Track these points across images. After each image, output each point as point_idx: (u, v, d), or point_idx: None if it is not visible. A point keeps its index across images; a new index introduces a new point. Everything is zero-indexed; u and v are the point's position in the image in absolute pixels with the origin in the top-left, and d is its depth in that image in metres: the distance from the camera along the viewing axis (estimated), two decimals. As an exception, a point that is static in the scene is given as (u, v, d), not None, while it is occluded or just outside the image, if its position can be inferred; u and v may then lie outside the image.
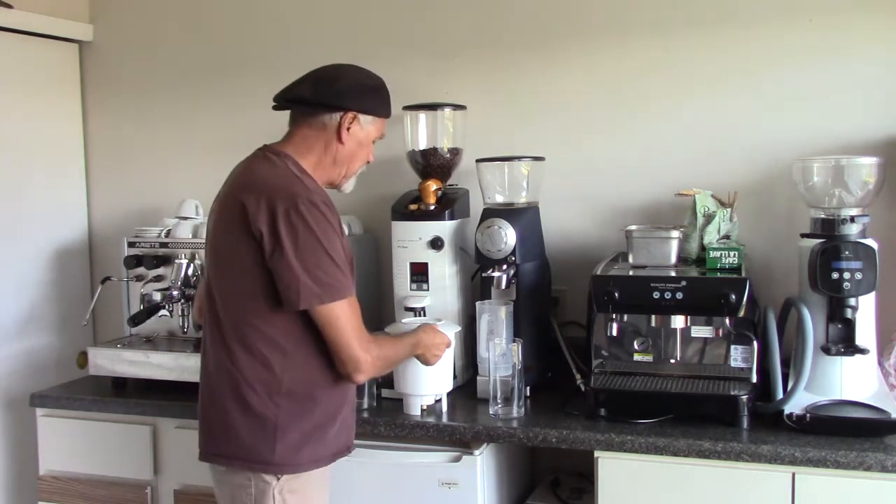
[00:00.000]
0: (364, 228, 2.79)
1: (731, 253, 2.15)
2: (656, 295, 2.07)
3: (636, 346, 2.24)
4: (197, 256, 2.61)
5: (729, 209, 2.33)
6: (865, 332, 2.05)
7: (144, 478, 2.46)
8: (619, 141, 2.59)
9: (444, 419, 2.19)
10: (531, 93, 2.66)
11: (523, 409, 2.18)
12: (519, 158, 2.45)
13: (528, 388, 2.28)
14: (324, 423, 1.87)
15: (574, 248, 2.62)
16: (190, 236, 2.66)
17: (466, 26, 2.72)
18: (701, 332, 2.16)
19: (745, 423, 2.02)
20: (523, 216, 2.37)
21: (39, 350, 2.99)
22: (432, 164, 2.54)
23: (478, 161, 2.46)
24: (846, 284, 1.98)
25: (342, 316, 1.79)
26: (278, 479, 1.83)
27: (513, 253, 2.31)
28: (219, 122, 3.02)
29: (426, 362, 2.12)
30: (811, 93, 2.41)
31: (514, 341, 2.20)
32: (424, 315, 2.38)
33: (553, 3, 2.63)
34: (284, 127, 1.97)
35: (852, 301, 2.01)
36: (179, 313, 2.62)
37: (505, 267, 2.32)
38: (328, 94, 1.89)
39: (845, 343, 2.05)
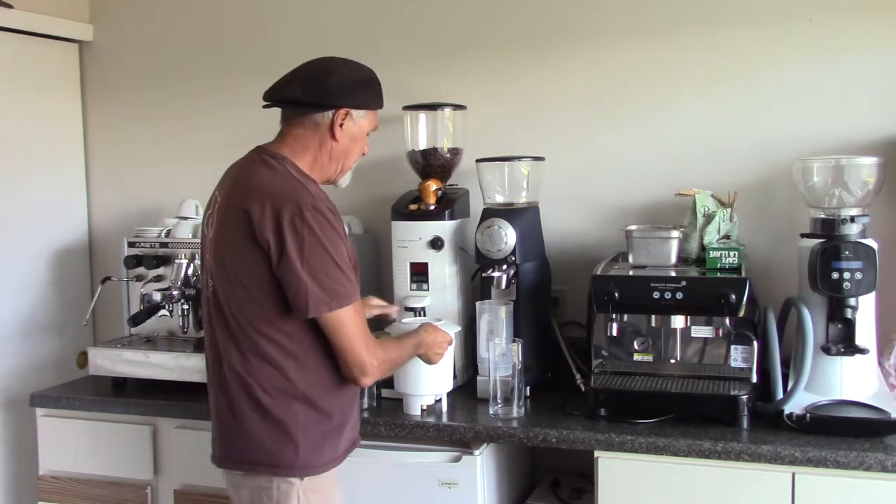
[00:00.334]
0: (364, 228, 2.79)
1: (731, 253, 2.15)
2: (656, 295, 2.07)
3: (636, 346, 2.24)
4: (197, 256, 2.60)
5: (729, 209, 2.33)
6: (865, 332, 2.05)
7: (144, 478, 2.46)
8: (619, 141, 2.59)
9: (444, 419, 2.19)
10: (531, 93, 2.66)
11: (523, 409, 2.18)
12: (519, 158, 2.45)
13: (528, 388, 2.28)
14: (341, 423, 1.89)
15: (574, 248, 2.62)
16: (190, 236, 2.66)
17: (466, 26, 2.72)
18: (701, 332, 2.16)
19: (745, 423, 2.02)
20: (523, 216, 2.37)
21: (39, 350, 2.99)
22: (432, 164, 2.54)
23: (478, 161, 2.46)
24: (846, 284, 1.98)
25: (349, 321, 1.80)
26: (301, 479, 1.84)
27: (513, 253, 2.31)
28: (219, 121, 3.02)
29: (429, 361, 2.12)
30: (811, 93, 2.41)
31: (514, 341, 2.20)
32: (424, 315, 2.38)
33: (553, 3, 2.63)
34: (281, 124, 1.97)
35: (852, 301, 2.01)
36: (179, 313, 2.62)
37: (505, 267, 2.32)
38: (319, 92, 1.88)
39: (845, 343, 2.05)
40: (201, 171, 2.98)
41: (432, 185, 2.45)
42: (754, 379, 2.11)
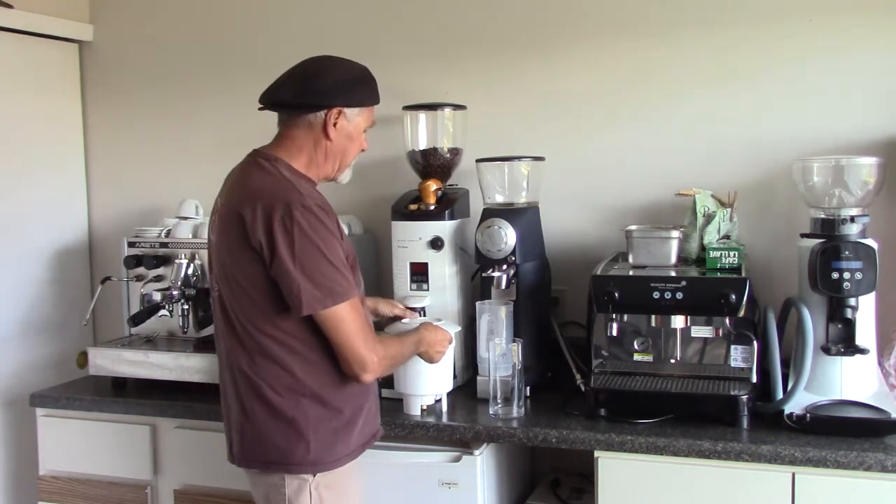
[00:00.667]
0: (364, 228, 2.79)
1: (731, 253, 2.15)
2: (656, 295, 2.07)
3: (636, 346, 2.24)
4: (197, 256, 2.60)
5: (729, 209, 2.33)
6: (865, 332, 2.05)
7: (144, 478, 2.46)
8: (619, 141, 2.59)
9: (444, 419, 2.19)
10: (531, 93, 2.66)
11: (523, 409, 2.18)
12: (519, 158, 2.45)
13: (528, 388, 2.28)
14: (353, 418, 1.90)
15: (574, 248, 2.62)
16: (190, 236, 2.66)
17: (466, 26, 2.72)
18: (701, 332, 2.16)
19: (745, 423, 2.02)
20: (523, 216, 2.37)
21: (39, 350, 2.99)
22: (432, 164, 2.54)
23: (478, 161, 2.46)
24: (846, 284, 1.98)
25: (346, 318, 1.80)
26: (314, 476, 1.85)
27: (513, 253, 2.31)
28: (219, 121, 3.02)
29: (430, 360, 2.12)
30: (811, 93, 2.41)
31: (514, 341, 2.20)
32: (424, 315, 2.38)
33: (553, 3, 2.63)
34: (277, 125, 1.97)
35: (852, 301, 2.01)
36: (179, 313, 2.62)
37: (505, 267, 2.32)
38: (309, 93, 1.88)
39: (845, 343, 2.05)
40: (201, 171, 3.00)
41: (432, 185, 2.45)
42: (754, 379, 2.11)
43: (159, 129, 3.12)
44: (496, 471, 2.25)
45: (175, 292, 2.57)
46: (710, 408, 2.07)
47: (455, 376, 2.36)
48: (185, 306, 2.60)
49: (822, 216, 2.10)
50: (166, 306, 2.61)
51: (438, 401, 2.25)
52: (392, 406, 2.26)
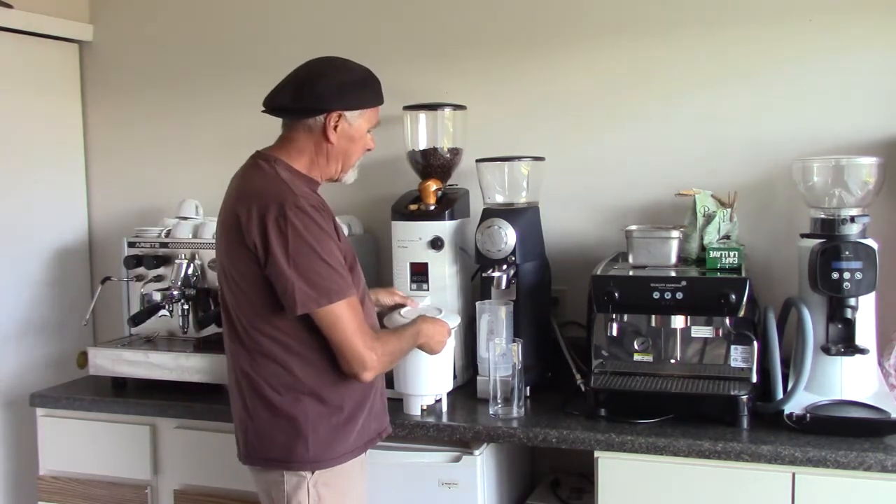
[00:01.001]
0: (364, 228, 2.79)
1: (731, 253, 2.15)
2: (656, 295, 2.07)
3: (636, 346, 2.24)
4: (197, 256, 2.61)
5: (729, 209, 2.33)
6: (865, 332, 2.05)
7: (144, 478, 2.46)
8: (620, 141, 2.59)
9: (444, 419, 2.19)
10: (531, 93, 2.66)
11: (523, 409, 2.18)
12: (519, 158, 2.45)
13: (528, 388, 2.28)
14: (352, 416, 1.90)
15: (574, 248, 2.62)
16: (190, 236, 2.66)
17: (466, 26, 2.72)
18: (701, 332, 2.16)
19: (745, 423, 2.02)
20: (523, 216, 2.37)
21: (39, 350, 2.99)
22: (432, 164, 2.54)
23: (478, 161, 2.46)
24: (846, 284, 1.98)
25: (342, 317, 1.80)
26: (312, 473, 1.86)
27: (513, 253, 2.31)
28: (219, 121, 3.02)
29: (431, 351, 2.11)
30: (811, 93, 2.41)
31: (514, 341, 2.20)
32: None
33: (553, 3, 2.63)
34: (281, 127, 1.97)
35: (852, 301, 2.01)
36: (179, 313, 2.62)
37: (505, 267, 2.32)
38: (308, 98, 1.87)
39: (845, 343, 2.05)
40: (201, 171, 3.01)
41: (432, 185, 2.45)
42: (754, 379, 2.11)
43: (159, 129, 3.12)
44: (496, 471, 2.25)
45: (175, 292, 2.57)
46: (710, 408, 2.07)
47: (455, 376, 2.36)
48: (185, 306, 2.60)
49: (822, 216, 2.10)
50: (166, 306, 2.61)
51: (438, 401, 2.25)
52: (392, 406, 2.25)
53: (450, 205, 2.43)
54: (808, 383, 2.02)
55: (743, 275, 2.08)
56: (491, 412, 2.19)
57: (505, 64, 2.69)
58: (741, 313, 2.03)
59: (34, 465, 2.60)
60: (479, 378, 2.34)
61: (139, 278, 2.69)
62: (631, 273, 2.18)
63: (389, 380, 2.24)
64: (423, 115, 2.57)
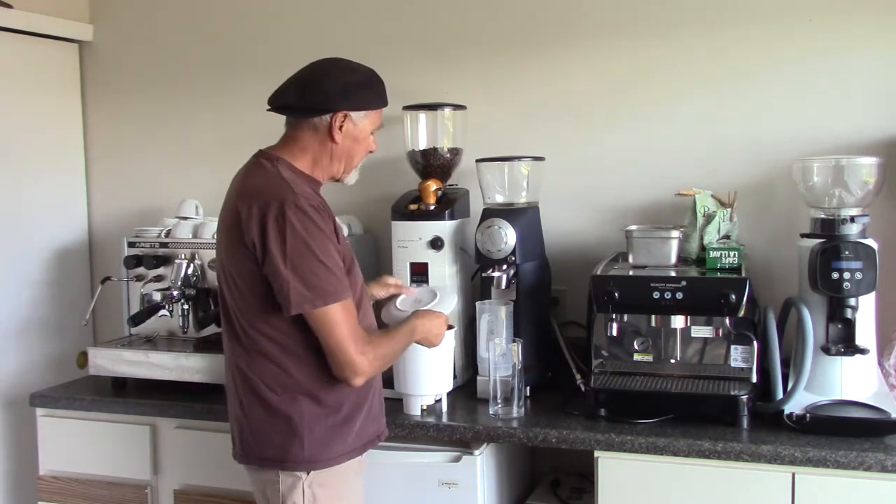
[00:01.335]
0: (364, 228, 2.79)
1: (731, 253, 2.15)
2: (656, 295, 2.07)
3: (636, 346, 2.24)
4: (197, 256, 2.61)
5: (729, 209, 2.33)
6: (865, 332, 2.05)
7: (144, 478, 2.46)
8: (620, 141, 2.59)
9: (444, 419, 2.19)
10: (531, 93, 2.66)
11: (523, 409, 2.18)
12: (519, 158, 2.45)
13: (528, 388, 2.28)
14: (349, 417, 1.89)
15: (574, 248, 2.62)
16: (190, 236, 2.66)
17: (466, 26, 2.72)
18: (701, 332, 2.16)
19: (745, 423, 2.02)
20: (523, 216, 2.37)
21: (39, 350, 2.99)
22: (432, 164, 2.54)
23: (478, 161, 2.46)
24: (846, 284, 1.98)
25: (336, 319, 1.79)
26: (307, 473, 1.85)
27: (513, 253, 2.31)
28: (219, 121, 3.02)
29: (430, 345, 2.08)
30: (811, 93, 2.41)
31: (514, 341, 2.20)
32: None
33: (553, 3, 2.63)
34: (284, 126, 1.97)
35: (852, 301, 2.01)
36: (179, 313, 2.62)
37: (505, 267, 2.32)
38: (314, 97, 1.87)
39: (845, 343, 2.05)
40: (201, 171, 3.01)
41: (432, 185, 2.45)
42: (754, 379, 2.11)
43: (159, 129, 3.12)
44: (496, 471, 2.25)
45: (175, 292, 2.57)
46: (710, 408, 2.07)
47: (455, 376, 2.36)
48: (185, 306, 2.61)
49: (822, 216, 2.10)
50: (166, 306, 2.61)
51: (438, 401, 2.25)
52: (392, 406, 2.26)
53: (450, 205, 2.43)
54: (808, 383, 2.02)
55: (743, 275, 2.09)
56: (491, 412, 2.19)
57: (505, 64, 2.69)
58: (741, 313, 2.03)
59: (34, 465, 2.60)
60: (479, 378, 2.34)
61: (139, 278, 2.69)
62: (631, 273, 2.18)
63: (389, 380, 2.24)
64: (423, 115, 2.57)
